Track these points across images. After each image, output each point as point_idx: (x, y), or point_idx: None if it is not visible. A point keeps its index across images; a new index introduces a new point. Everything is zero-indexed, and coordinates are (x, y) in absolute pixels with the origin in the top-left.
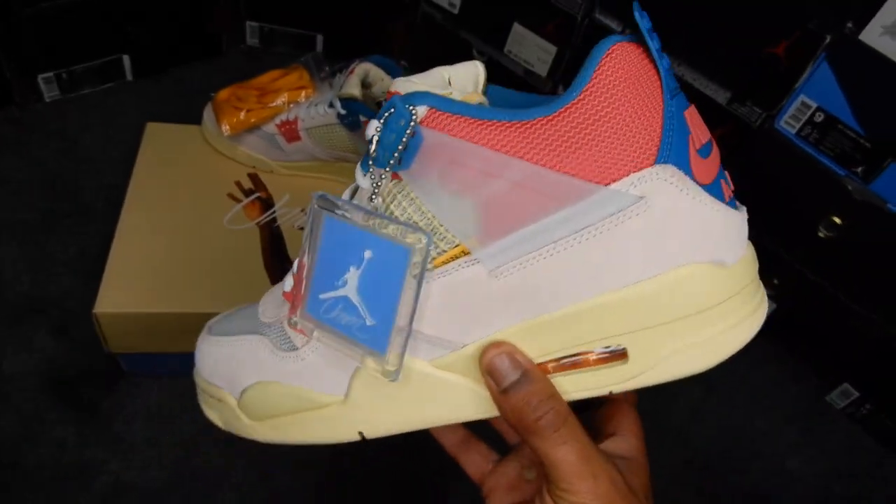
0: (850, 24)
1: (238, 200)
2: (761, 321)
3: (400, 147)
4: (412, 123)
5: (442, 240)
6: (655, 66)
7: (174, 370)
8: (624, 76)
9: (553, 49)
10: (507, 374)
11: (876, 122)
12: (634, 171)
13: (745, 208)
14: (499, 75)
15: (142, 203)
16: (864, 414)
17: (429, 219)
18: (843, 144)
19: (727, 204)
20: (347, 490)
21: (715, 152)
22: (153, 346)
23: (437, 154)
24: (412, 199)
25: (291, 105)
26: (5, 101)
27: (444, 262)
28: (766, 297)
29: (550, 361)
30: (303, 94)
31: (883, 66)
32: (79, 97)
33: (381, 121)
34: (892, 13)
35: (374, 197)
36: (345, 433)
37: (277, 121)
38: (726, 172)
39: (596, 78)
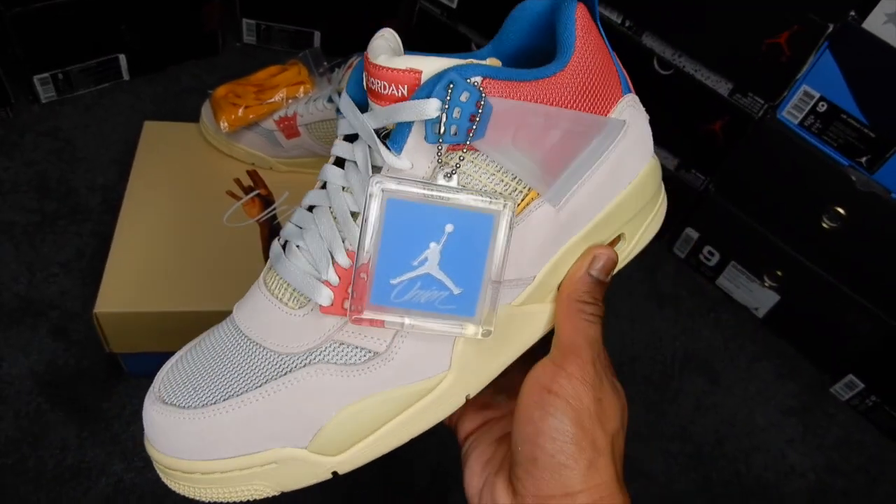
0: (852, 13)
1: (237, 198)
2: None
3: (476, 119)
4: (482, 94)
5: (516, 193)
6: (591, 13)
7: None
8: (587, 28)
9: None
10: (600, 268)
11: (880, 112)
12: (616, 103)
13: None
14: None
15: (141, 202)
16: (869, 406)
17: (499, 179)
18: (846, 134)
19: None
20: (352, 489)
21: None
22: (154, 345)
23: (508, 118)
24: (477, 165)
25: (290, 101)
26: (1, 103)
27: (519, 212)
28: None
29: None
30: (301, 89)
31: (886, 55)
32: (74, 97)
33: (446, 99)
34: (894, 1)
35: (449, 173)
36: (454, 404)
37: (276, 117)
38: None
39: (579, 36)
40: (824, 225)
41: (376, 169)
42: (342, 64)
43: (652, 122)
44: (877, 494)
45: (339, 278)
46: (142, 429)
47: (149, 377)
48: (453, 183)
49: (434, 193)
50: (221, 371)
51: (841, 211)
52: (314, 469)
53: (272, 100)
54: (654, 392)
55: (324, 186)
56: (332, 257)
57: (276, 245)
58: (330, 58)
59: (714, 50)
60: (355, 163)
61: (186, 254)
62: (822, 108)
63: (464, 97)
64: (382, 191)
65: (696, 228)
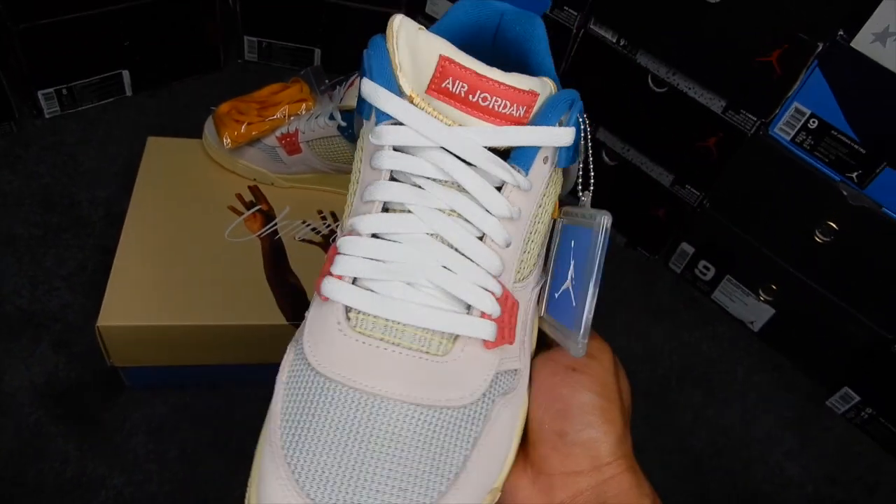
0: (841, 32)
1: (239, 213)
2: None
3: (585, 140)
4: (584, 118)
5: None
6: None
7: (175, 383)
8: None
9: None
10: None
11: (869, 128)
12: None
13: None
14: None
15: (144, 216)
16: (865, 418)
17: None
18: (837, 150)
19: None
20: None
21: None
22: (155, 359)
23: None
24: (556, 182)
25: (292, 118)
26: (5, 117)
27: None
28: None
29: None
30: (303, 106)
31: (874, 72)
32: (78, 112)
33: (580, 127)
34: (881, 21)
35: (583, 192)
36: None
37: (278, 133)
38: None
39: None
40: (817, 239)
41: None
42: (343, 82)
43: (647, 139)
44: None
45: (501, 308)
46: (143, 442)
47: (149, 390)
48: (587, 200)
49: (577, 211)
50: (413, 455)
51: (833, 225)
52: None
53: (274, 117)
54: (652, 405)
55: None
56: (487, 288)
57: (351, 288)
58: (331, 75)
59: (707, 68)
60: (455, 182)
61: (188, 268)
62: (814, 124)
63: (582, 125)
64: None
65: (692, 243)
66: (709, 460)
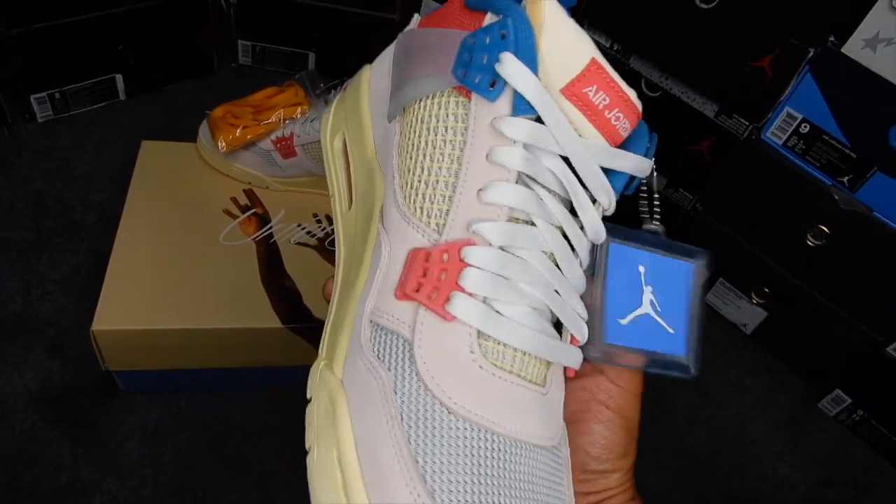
0: (832, 38)
1: (234, 216)
2: None
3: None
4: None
5: None
6: None
7: (171, 387)
8: None
9: None
10: None
11: (860, 132)
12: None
13: None
14: None
15: (138, 220)
16: (857, 420)
17: None
18: (828, 154)
19: None
20: None
21: None
22: (150, 363)
23: None
24: None
25: (287, 121)
26: None
27: None
28: None
29: None
30: (298, 110)
31: (865, 78)
32: (71, 117)
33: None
34: (872, 27)
35: (651, 220)
36: None
37: (273, 137)
38: None
39: None
40: (809, 242)
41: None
42: (339, 86)
43: None
44: None
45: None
46: (138, 447)
47: (144, 395)
48: (659, 228)
49: (643, 242)
50: (544, 496)
51: (825, 229)
52: None
53: (269, 120)
54: (647, 408)
55: (522, 220)
56: (580, 314)
57: (484, 310)
58: (326, 79)
59: (700, 73)
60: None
61: (183, 272)
62: (805, 129)
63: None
64: (610, 238)
65: None
66: (704, 462)
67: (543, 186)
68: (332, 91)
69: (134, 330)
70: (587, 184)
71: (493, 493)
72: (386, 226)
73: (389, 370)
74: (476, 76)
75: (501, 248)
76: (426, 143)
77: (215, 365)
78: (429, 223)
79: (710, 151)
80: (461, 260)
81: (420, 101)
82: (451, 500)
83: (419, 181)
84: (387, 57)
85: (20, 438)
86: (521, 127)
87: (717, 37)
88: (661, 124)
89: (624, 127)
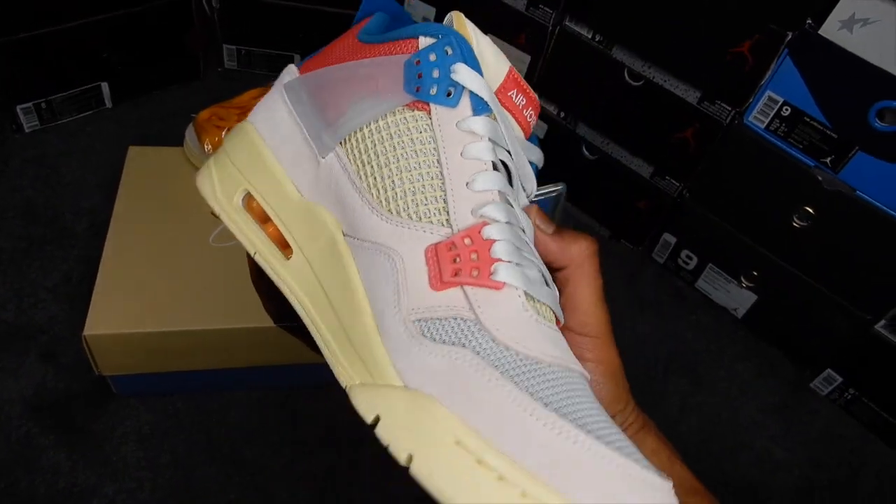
0: (809, 21)
1: None
2: None
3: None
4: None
5: None
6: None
7: (165, 390)
8: None
9: (527, 58)
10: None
11: (840, 113)
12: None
13: None
14: None
15: (128, 224)
16: (848, 399)
17: None
18: (810, 136)
19: None
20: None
21: None
22: (143, 366)
23: None
24: None
25: None
26: None
27: None
28: None
29: None
30: None
31: (843, 59)
32: (58, 126)
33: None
34: (848, 8)
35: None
36: None
37: None
38: None
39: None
40: (795, 224)
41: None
42: None
43: (626, 133)
44: (860, 486)
45: None
46: (134, 450)
47: (138, 398)
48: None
49: None
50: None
51: (810, 210)
52: None
53: None
54: (638, 395)
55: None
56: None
57: (522, 274)
58: None
59: (681, 60)
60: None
61: (174, 274)
62: (787, 112)
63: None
64: None
65: (674, 233)
66: (697, 447)
67: (510, 172)
68: None
69: (126, 334)
70: (520, 172)
71: (591, 408)
72: (371, 242)
73: (466, 347)
74: (431, 89)
75: (508, 223)
76: (395, 157)
77: (209, 366)
78: (432, 221)
79: (695, 138)
80: (485, 238)
81: (366, 126)
82: (576, 420)
83: (402, 191)
84: (274, 107)
85: (16, 445)
86: (483, 124)
87: (696, 24)
88: (646, 114)
89: (533, 124)
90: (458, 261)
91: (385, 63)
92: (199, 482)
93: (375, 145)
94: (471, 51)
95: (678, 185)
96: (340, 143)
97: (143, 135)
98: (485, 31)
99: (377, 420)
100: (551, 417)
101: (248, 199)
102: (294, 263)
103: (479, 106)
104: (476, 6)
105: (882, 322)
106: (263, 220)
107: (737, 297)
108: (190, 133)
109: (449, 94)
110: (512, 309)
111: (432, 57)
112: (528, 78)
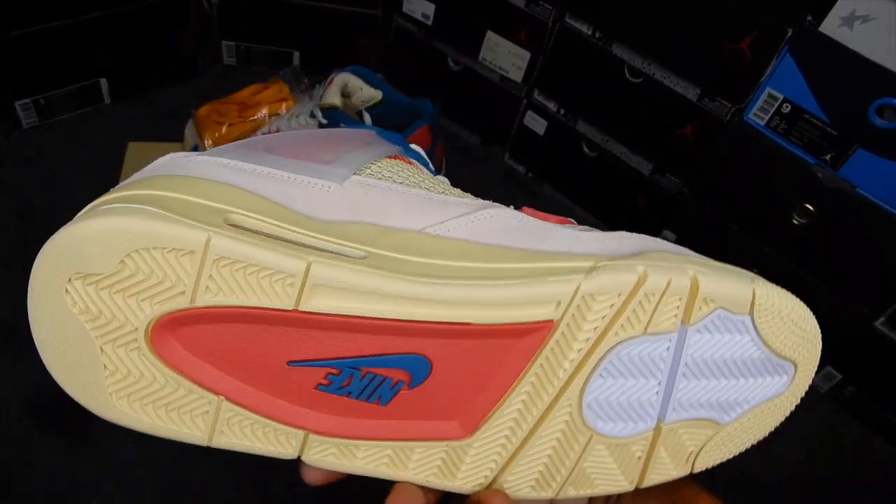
0: (809, 17)
1: None
2: None
3: None
4: None
5: None
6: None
7: None
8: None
9: (527, 55)
10: None
11: (840, 110)
12: None
13: None
14: (475, 83)
15: None
16: (847, 396)
17: None
18: (810, 133)
19: None
20: None
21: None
22: None
23: None
24: None
25: (272, 117)
26: None
27: None
28: None
29: None
30: (283, 106)
31: (843, 55)
32: (56, 122)
33: None
34: (848, 4)
35: None
36: None
37: (259, 133)
38: None
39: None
40: (795, 221)
41: None
42: (323, 80)
43: (626, 130)
44: (858, 483)
45: None
46: (133, 449)
47: None
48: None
49: None
50: None
51: (810, 207)
52: None
53: (255, 117)
54: None
55: None
56: None
57: None
58: (311, 77)
59: (681, 57)
60: None
61: None
62: (787, 109)
63: None
64: None
65: (673, 231)
66: None
67: None
68: (316, 86)
69: None
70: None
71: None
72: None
73: None
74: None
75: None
76: (409, 173)
77: None
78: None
79: (694, 135)
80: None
81: (373, 162)
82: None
83: (432, 185)
84: (216, 172)
85: (14, 444)
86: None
87: (696, 20)
88: (646, 111)
89: None
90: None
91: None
92: (199, 480)
93: (389, 169)
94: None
95: (678, 182)
96: (356, 172)
97: (142, 132)
98: (484, 28)
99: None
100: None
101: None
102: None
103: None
104: (476, 3)
105: (882, 319)
106: None
107: None
108: (189, 129)
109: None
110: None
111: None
112: (527, 75)
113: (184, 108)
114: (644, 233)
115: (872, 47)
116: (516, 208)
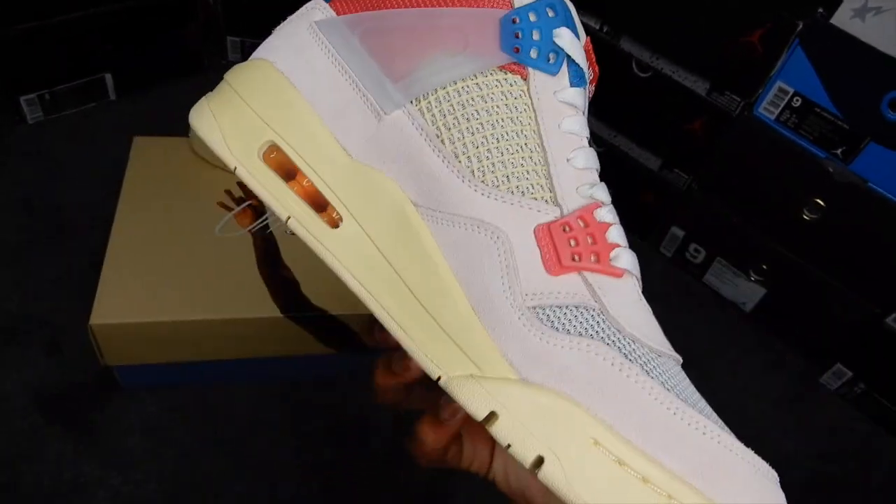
0: (821, 10)
1: (229, 209)
2: None
3: None
4: None
5: None
6: None
7: (171, 381)
8: None
9: None
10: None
11: (851, 104)
12: None
13: None
14: None
15: (133, 214)
16: (858, 393)
17: None
18: (821, 127)
19: None
20: (353, 498)
21: None
22: (149, 356)
23: None
24: None
25: None
26: None
27: None
28: None
29: None
30: None
31: (854, 48)
32: (61, 117)
33: None
34: None
35: None
36: None
37: None
38: None
39: None
40: (805, 217)
41: None
42: None
43: (634, 124)
44: (870, 480)
45: None
46: (139, 441)
47: (144, 389)
48: None
49: None
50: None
51: (820, 202)
52: None
53: None
54: None
55: None
56: None
57: (630, 253)
58: None
59: (690, 51)
60: None
61: (180, 264)
62: (797, 102)
63: None
64: None
65: (682, 227)
66: None
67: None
68: None
69: (132, 323)
70: None
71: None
72: (463, 216)
73: (595, 338)
74: (532, 51)
75: (612, 204)
76: (490, 123)
77: (214, 357)
78: (535, 197)
79: (704, 130)
80: (599, 221)
81: (450, 84)
82: (709, 415)
83: (500, 162)
84: (304, 47)
85: (21, 437)
86: (579, 97)
87: (705, 13)
88: (654, 105)
89: (589, 98)
90: (574, 244)
91: (477, 16)
92: (207, 474)
93: (464, 107)
94: (572, 16)
95: (686, 177)
96: (413, 100)
97: (147, 127)
98: None
99: (492, 417)
100: (693, 415)
101: (269, 152)
102: (345, 234)
103: (577, 77)
104: None
105: (893, 316)
106: (287, 177)
107: (745, 291)
108: None
109: (550, 60)
110: (630, 297)
111: (532, 17)
112: None
113: (188, 104)
114: (652, 229)
115: (885, 39)
116: None
